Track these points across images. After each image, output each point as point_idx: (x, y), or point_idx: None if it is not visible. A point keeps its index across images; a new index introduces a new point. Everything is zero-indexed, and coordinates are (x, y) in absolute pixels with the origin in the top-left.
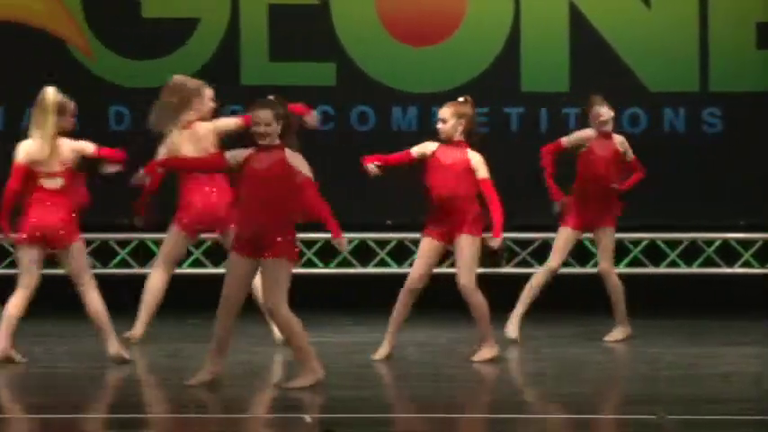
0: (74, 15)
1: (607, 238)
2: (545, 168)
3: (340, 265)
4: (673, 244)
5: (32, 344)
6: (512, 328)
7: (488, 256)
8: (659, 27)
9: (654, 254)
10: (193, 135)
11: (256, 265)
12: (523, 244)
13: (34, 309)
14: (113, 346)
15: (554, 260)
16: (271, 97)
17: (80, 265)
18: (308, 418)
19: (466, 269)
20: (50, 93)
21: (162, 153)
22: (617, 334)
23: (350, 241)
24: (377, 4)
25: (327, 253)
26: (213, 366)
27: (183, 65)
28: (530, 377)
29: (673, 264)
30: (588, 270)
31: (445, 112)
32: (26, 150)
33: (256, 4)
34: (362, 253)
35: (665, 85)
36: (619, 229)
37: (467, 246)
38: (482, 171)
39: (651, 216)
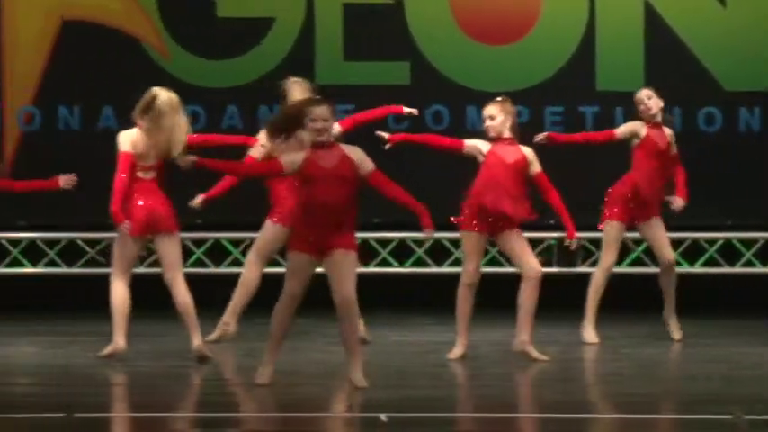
0: (149, 15)
1: (660, 229)
2: (583, 138)
3: (415, 264)
4: (748, 243)
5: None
6: (587, 334)
7: (563, 254)
8: (735, 26)
9: (729, 253)
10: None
11: (318, 262)
12: (598, 243)
13: None
14: (197, 340)
15: (608, 257)
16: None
17: (177, 253)
18: (383, 417)
19: (534, 255)
20: (174, 95)
21: (257, 154)
22: (678, 329)
23: (424, 241)
24: (451, 2)
25: (402, 252)
26: (272, 364)
27: (257, 64)
28: (605, 377)
29: (748, 263)
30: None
31: (492, 109)
32: (132, 141)
33: (331, 3)
34: (437, 252)
35: (741, 84)
36: (694, 229)
37: (521, 237)
38: (537, 165)
39: (726, 215)
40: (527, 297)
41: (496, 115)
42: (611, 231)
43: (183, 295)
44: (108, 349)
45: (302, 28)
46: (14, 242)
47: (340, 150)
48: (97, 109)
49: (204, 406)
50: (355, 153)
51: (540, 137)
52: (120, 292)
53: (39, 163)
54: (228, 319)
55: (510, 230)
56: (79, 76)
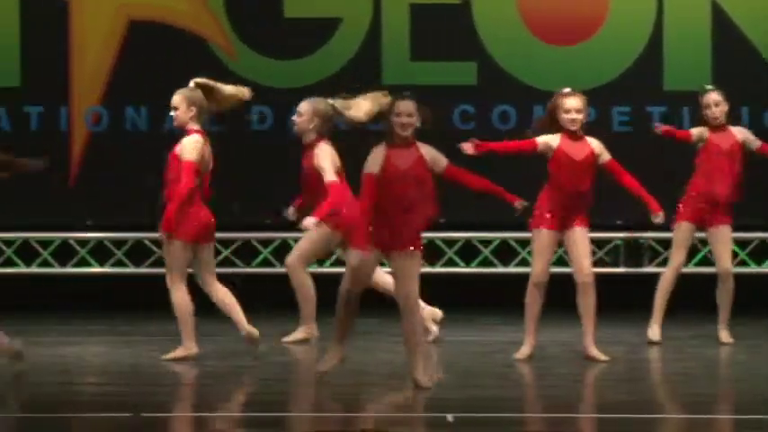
0: (217, 15)
1: (724, 237)
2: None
3: (481, 264)
4: None
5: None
6: (652, 333)
7: (630, 255)
8: None
9: None
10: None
11: (381, 258)
12: (665, 243)
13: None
14: (244, 326)
15: (676, 257)
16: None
17: (213, 258)
18: (449, 417)
19: (589, 257)
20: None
21: (329, 163)
22: (727, 334)
23: (490, 241)
24: (519, 2)
25: (468, 252)
26: (340, 349)
27: (324, 65)
28: (672, 377)
29: None
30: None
31: (578, 102)
32: (198, 150)
33: (398, 3)
34: (504, 252)
35: None
36: (762, 228)
37: (585, 236)
38: (606, 153)
39: None
40: (582, 301)
41: (582, 109)
42: (679, 232)
43: (221, 292)
44: (180, 353)
45: (369, 28)
46: (82, 242)
47: (417, 150)
48: (164, 110)
49: (269, 405)
50: (429, 152)
51: (661, 127)
52: (184, 299)
53: (106, 163)
54: (307, 323)
55: (578, 228)
56: (146, 77)
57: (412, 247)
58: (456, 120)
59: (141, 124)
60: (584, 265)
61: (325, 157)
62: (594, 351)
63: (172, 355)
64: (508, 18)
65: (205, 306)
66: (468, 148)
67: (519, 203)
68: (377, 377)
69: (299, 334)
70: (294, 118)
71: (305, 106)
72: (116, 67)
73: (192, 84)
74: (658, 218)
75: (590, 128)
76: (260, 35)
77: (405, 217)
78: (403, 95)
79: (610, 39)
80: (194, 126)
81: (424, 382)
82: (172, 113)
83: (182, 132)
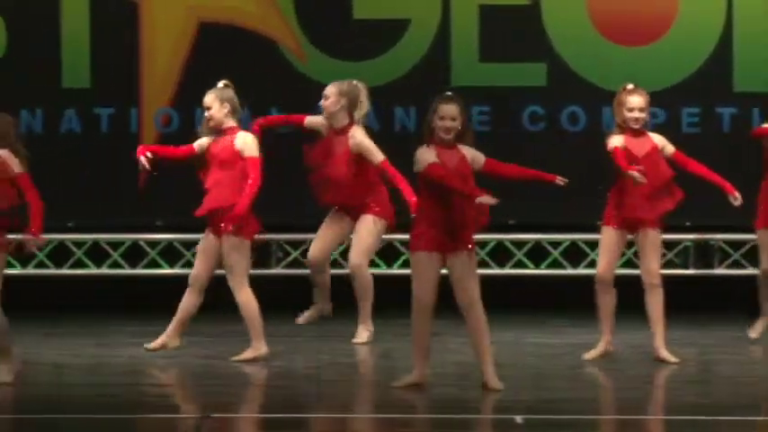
0: (286, 17)
1: None
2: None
3: (550, 266)
4: None
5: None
6: (753, 330)
7: (700, 256)
8: None
9: None
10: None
11: (443, 261)
12: (735, 245)
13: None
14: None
15: (761, 262)
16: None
17: None
18: (518, 419)
19: (657, 260)
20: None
21: (372, 142)
22: (758, 331)
23: (560, 243)
24: (588, 3)
25: (537, 254)
26: (420, 370)
27: (393, 66)
28: (743, 379)
29: None
30: None
31: (642, 101)
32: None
33: (467, 4)
34: (572, 254)
35: None
36: None
37: (656, 238)
38: (670, 146)
39: None
40: (650, 303)
41: (645, 107)
42: (760, 236)
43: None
44: (250, 354)
45: (438, 29)
46: (152, 243)
47: (458, 150)
48: None
49: (335, 407)
50: (468, 151)
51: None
52: (251, 299)
53: (176, 165)
54: (365, 321)
55: (649, 229)
56: (216, 78)
57: (469, 246)
58: (525, 121)
59: None
60: (651, 267)
61: (366, 138)
62: (665, 353)
63: (242, 356)
64: (577, 19)
65: (273, 307)
66: (639, 178)
67: (560, 179)
68: (444, 378)
69: (364, 333)
70: (321, 103)
71: (330, 89)
72: (186, 69)
73: (221, 84)
74: (737, 200)
75: (659, 129)
76: (329, 37)
77: (460, 216)
78: (446, 97)
79: (679, 39)
80: (231, 123)
81: (493, 383)
82: (206, 114)
83: (219, 132)
